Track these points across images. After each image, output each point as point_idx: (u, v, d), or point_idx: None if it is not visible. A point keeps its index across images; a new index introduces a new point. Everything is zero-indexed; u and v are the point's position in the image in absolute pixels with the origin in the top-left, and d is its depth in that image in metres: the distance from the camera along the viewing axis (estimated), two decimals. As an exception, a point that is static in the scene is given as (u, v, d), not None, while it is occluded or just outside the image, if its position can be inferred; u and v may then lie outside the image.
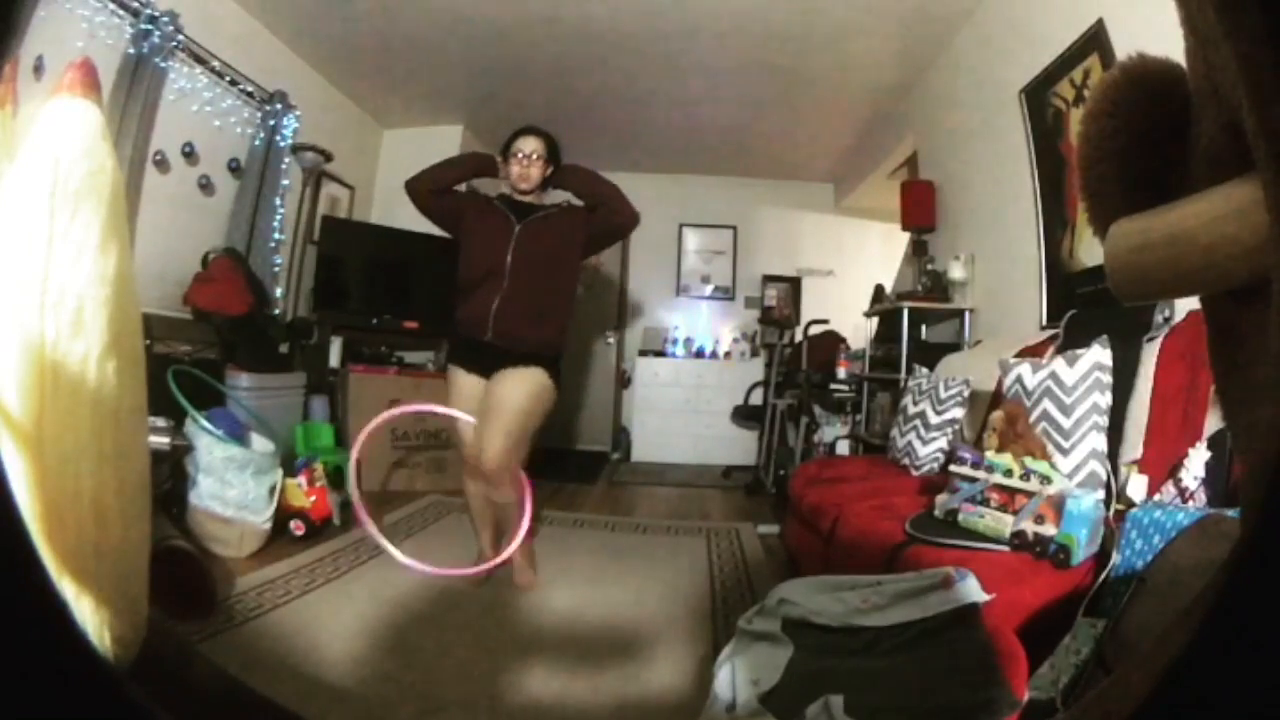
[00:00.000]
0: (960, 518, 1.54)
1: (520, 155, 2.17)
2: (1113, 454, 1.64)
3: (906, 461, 2.36)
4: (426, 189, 2.24)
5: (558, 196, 2.30)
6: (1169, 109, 0.51)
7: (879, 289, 3.80)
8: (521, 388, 2.03)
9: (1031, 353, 2.05)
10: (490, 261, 2.14)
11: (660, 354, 5.46)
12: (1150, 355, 1.68)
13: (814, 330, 4.19)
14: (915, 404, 2.42)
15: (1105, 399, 1.67)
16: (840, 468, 2.62)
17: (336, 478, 3.01)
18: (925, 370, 2.62)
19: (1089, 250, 2.28)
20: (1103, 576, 1.28)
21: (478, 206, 2.24)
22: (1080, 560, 1.34)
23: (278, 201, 3.50)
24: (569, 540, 2.79)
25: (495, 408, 2.01)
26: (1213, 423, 1.48)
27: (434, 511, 3.15)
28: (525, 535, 2.18)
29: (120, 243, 0.80)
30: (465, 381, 2.14)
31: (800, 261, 5.74)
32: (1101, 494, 1.53)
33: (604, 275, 5.46)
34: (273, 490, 2.32)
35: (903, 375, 3.00)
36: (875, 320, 3.86)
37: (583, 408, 5.56)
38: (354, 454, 2.21)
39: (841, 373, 4.01)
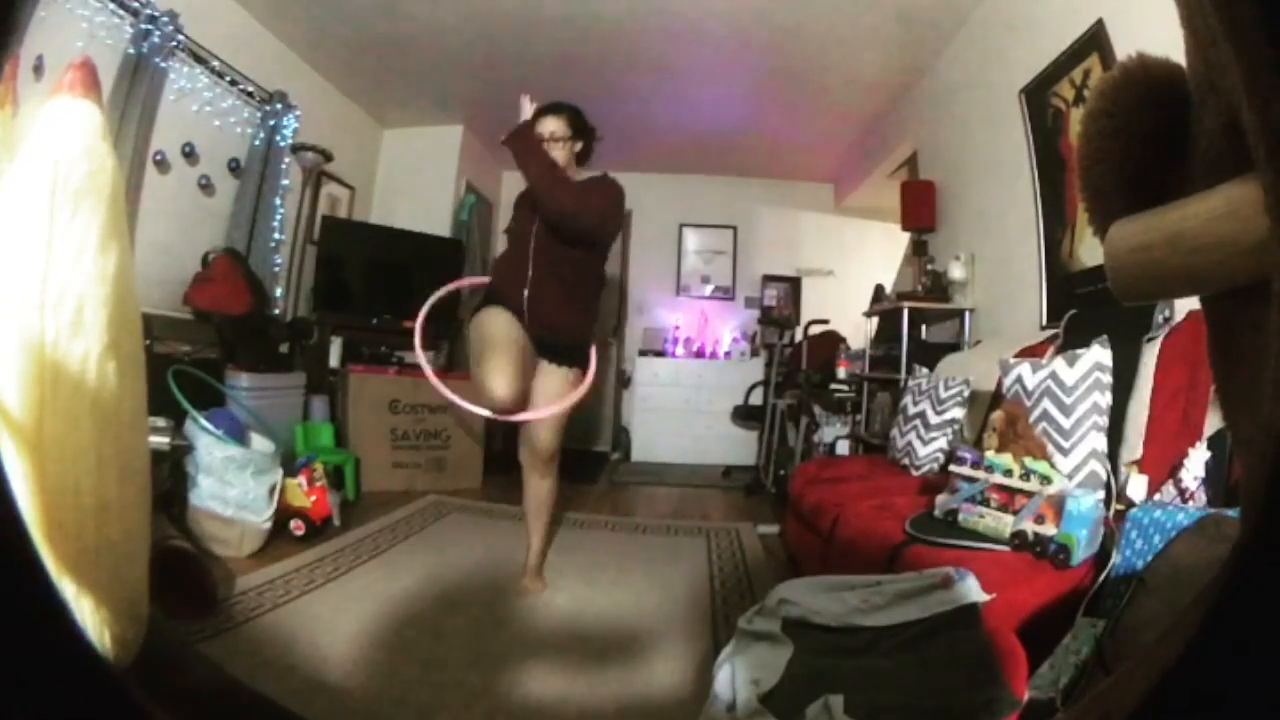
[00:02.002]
0: (960, 518, 1.54)
1: (539, 139, 2.12)
2: (1113, 454, 1.64)
3: (906, 461, 2.36)
4: None
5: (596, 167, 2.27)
6: (1169, 109, 0.51)
7: (879, 289, 3.80)
8: (560, 386, 2.11)
9: (1031, 353, 2.05)
10: (518, 253, 2.11)
11: (660, 354, 5.46)
12: (1150, 355, 1.68)
13: (814, 330, 4.19)
14: (915, 404, 2.42)
15: (1105, 399, 1.67)
16: (840, 468, 2.62)
17: (336, 478, 3.01)
18: (925, 370, 2.62)
19: (1089, 250, 2.28)
20: (1103, 576, 1.28)
21: (520, 205, 2.23)
22: (1080, 560, 1.34)
23: (278, 201, 3.50)
24: (569, 540, 2.79)
25: (544, 398, 2.09)
26: (1213, 423, 1.48)
27: (434, 511, 3.15)
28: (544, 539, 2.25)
29: (120, 243, 0.80)
30: (503, 318, 2.05)
31: (800, 261, 5.74)
32: (1101, 494, 1.53)
33: None
34: (273, 490, 2.32)
35: (903, 375, 3.00)
36: (875, 320, 3.86)
37: (583, 407, 5.57)
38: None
39: (841, 373, 4.00)
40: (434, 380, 2.21)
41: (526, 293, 2.06)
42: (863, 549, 1.65)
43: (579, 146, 2.20)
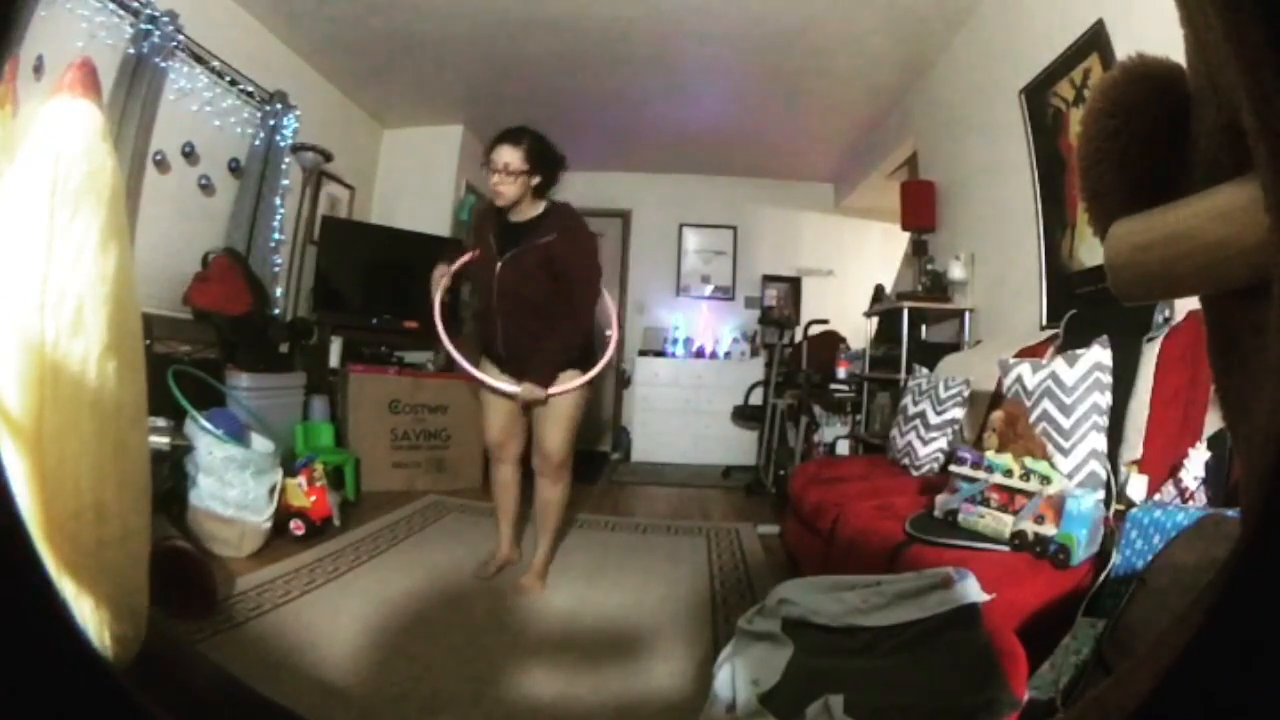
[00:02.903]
0: (960, 518, 1.54)
1: (491, 169, 1.97)
2: (1113, 454, 1.64)
3: (906, 461, 2.36)
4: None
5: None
6: (1169, 109, 0.51)
7: (879, 289, 3.80)
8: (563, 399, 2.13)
9: (1031, 353, 2.05)
10: (485, 301, 2.14)
11: (660, 354, 5.46)
12: (1150, 355, 1.68)
13: (814, 330, 4.19)
14: (915, 404, 2.42)
15: (1105, 399, 1.67)
16: (840, 468, 2.62)
17: (336, 478, 3.01)
18: (925, 370, 2.62)
19: (1089, 250, 2.28)
20: (1103, 576, 1.29)
21: (478, 234, 2.17)
22: (1080, 560, 1.34)
23: (278, 201, 3.50)
24: (569, 540, 2.79)
25: (548, 414, 2.14)
26: (1213, 423, 1.48)
27: (434, 512, 3.15)
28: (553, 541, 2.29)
29: (120, 243, 0.80)
30: (493, 371, 2.17)
31: (800, 261, 5.74)
32: (1101, 494, 1.53)
33: None
34: (273, 490, 2.32)
35: (903, 375, 3.00)
36: (875, 320, 3.86)
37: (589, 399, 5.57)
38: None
39: (841, 373, 4.01)
40: (463, 363, 2.16)
41: (502, 349, 2.12)
42: (863, 549, 1.65)
43: (536, 180, 2.01)
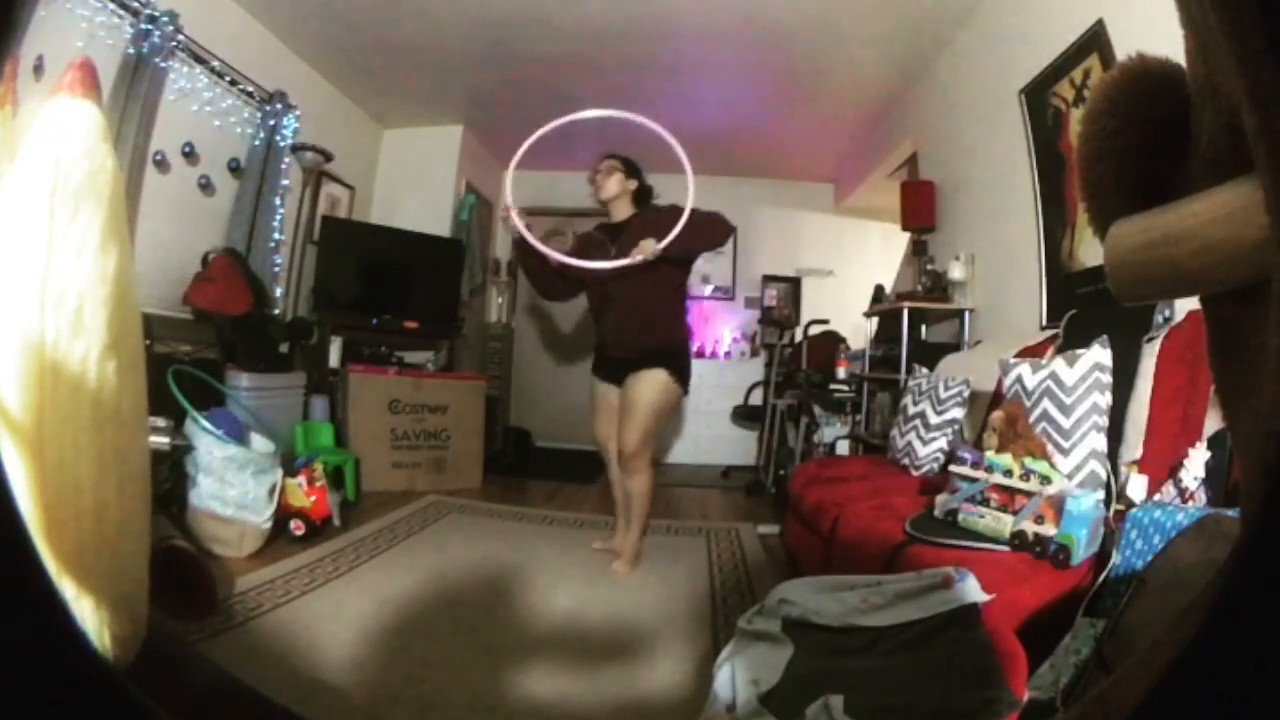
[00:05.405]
0: (960, 518, 1.54)
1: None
2: (1113, 454, 1.64)
3: (906, 461, 2.36)
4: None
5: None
6: (1169, 109, 0.51)
7: (879, 289, 3.80)
8: (646, 387, 2.41)
9: (1031, 353, 2.05)
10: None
11: (660, 354, 5.45)
12: (1150, 355, 1.68)
13: (814, 330, 4.19)
14: (915, 404, 2.42)
15: (1105, 399, 1.67)
16: (840, 468, 2.62)
17: (336, 478, 3.01)
18: (925, 370, 2.62)
19: (1089, 250, 2.28)
20: (1103, 576, 1.28)
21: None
22: (1080, 560, 1.34)
23: (278, 201, 3.50)
24: (569, 540, 2.79)
25: (629, 407, 2.43)
26: (1213, 423, 1.48)
27: (434, 511, 3.15)
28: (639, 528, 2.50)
29: (120, 242, 0.80)
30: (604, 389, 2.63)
31: (800, 261, 5.74)
32: (1101, 494, 1.53)
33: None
34: (273, 490, 2.32)
35: (903, 375, 3.00)
36: (875, 320, 3.86)
37: (582, 407, 5.56)
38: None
39: (841, 373, 4.00)
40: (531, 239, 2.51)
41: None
42: (863, 549, 1.65)
43: (633, 185, 2.77)
